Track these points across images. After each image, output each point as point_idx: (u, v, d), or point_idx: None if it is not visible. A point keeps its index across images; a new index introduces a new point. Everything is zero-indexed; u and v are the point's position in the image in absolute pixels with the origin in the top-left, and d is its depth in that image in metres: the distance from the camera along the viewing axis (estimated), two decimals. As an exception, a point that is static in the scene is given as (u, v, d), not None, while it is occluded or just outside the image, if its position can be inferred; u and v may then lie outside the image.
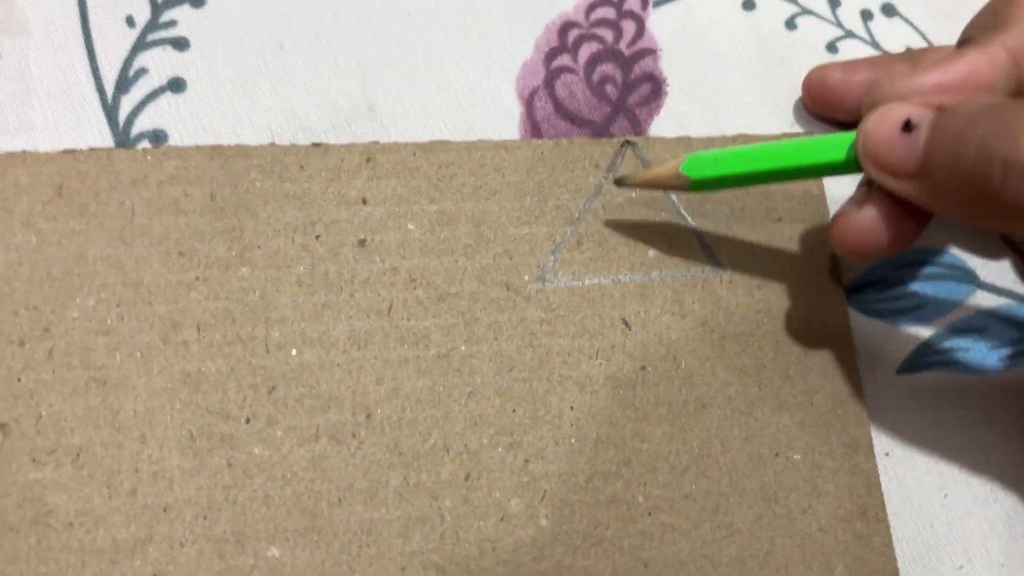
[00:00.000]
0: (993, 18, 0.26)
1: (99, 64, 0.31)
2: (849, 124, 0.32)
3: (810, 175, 0.27)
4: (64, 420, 0.26)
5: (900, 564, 0.28)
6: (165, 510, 0.26)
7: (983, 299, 0.32)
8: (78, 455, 0.26)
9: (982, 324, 0.31)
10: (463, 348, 0.28)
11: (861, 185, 0.28)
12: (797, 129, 0.33)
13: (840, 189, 0.32)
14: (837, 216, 0.26)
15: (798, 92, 0.34)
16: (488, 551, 0.27)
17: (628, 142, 0.31)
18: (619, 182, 0.29)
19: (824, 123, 0.33)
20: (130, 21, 0.32)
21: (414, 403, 0.28)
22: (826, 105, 0.32)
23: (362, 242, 0.29)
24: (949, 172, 0.22)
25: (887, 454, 0.29)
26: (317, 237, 0.29)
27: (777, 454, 0.29)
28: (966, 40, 0.27)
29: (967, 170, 0.22)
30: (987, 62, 0.25)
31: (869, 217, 0.25)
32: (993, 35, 0.25)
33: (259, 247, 0.28)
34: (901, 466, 0.29)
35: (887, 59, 0.32)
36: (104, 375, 0.27)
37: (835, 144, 0.25)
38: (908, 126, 0.23)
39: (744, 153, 0.27)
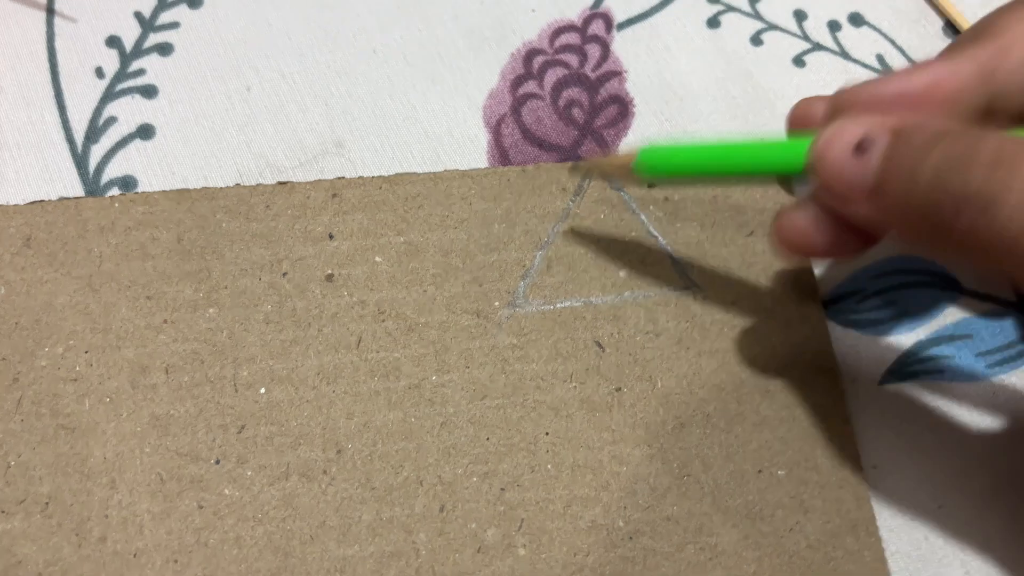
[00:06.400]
0: (973, 32, 0.25)
1: (69, 115, 0.32)
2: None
3: (766, 178, 0.25)
4: (33, 469, 0.26)
5: (895, 580, 0.27)
6: (135, 556, 0.25)
7: (967, 305, 0.31)
8: (47, 504, 0.26)
9: (966, 331, 0.31)
10: (434, 378, 0.28)
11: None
12: (767, 143, 0.33)
13: (814, 200, 0.32)
14: (780, 212, 0.25)
15: (766, 107, 0.33)
16: (465, 584, 0.26)
17: (595, 164, 0.31)
18: (573, 169, 0.29)
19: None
20: (99, 72, 0.33)
21: (385, 436, 0.27)
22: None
23: (329, 277, 0.29)
24: (900, 201, 0.21)
25: (875, 467, 0.29)
26: (284, 275, 0.29)
27: (760, 471, 0.28)
28: (942, 52, 0.26)
29: (919, 201, 0.21)
30: (951, 73, 0.24)
31: (809, 217, 0.24)
32: (967, 48, 0.24)
33: (226, 287, 0.28)
34: (890, 478, 0.29)
35: None
36: (73, 422, 0.27)
37: (792, 150, 0.24)
38: (860, 147, 0.22)
39: (699, 151, 0.25)
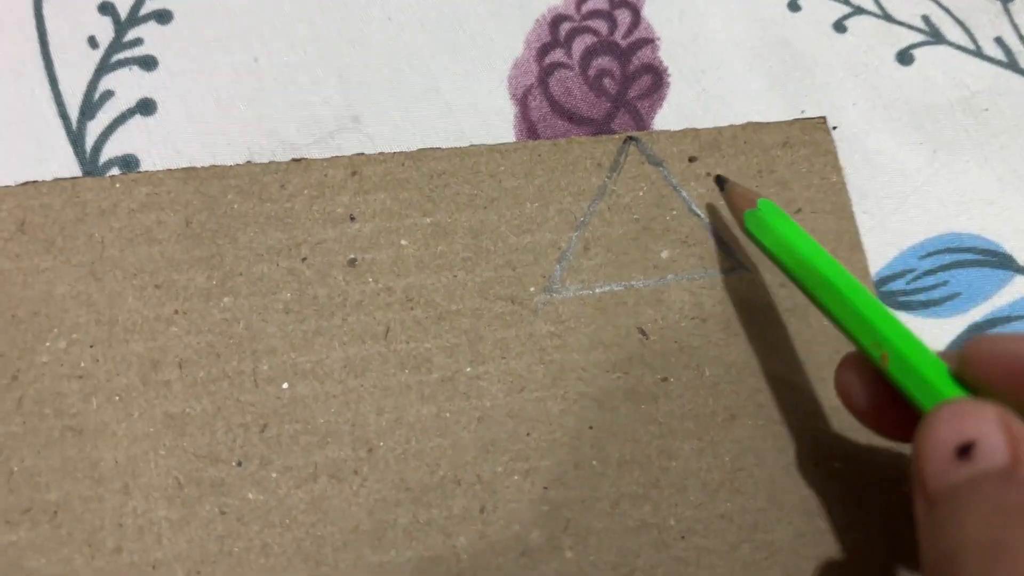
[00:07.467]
0: None
1: (62, 89, 0.29)
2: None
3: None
4: (39, 475, 0.24)
5: None
6: (154, 567, 0.23)
7: (1023, 285, 0.30)
8: (56, 513, 0.24)
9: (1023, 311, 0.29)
10: (468, 370, 0.26)
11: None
12: (809, 115, 0.31)
13: (860, 180, 0.30)
14: (844, 359, 0.24)
15: (806, 76, 0.32)
16: (510, 590, 0.24)
17: (631, 138, 0.29)
18: (719, 180, 0.28)
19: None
20: (92, 42, 0.30)
21: (419, 433, 0.25)
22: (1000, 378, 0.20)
23: (352, 262, 0.27)
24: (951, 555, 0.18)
25: (933, 456, 0.27)
26: (303, 260, 0.27)
27: (816, 464, 0.26)
28: None
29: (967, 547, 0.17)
30: None
31: (864, 393, 0.23)
32: None
33: (241, 274, 0.26)
34: (949, 468, 0.27)
35: None
36: (80, 423, 0.24)
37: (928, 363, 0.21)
38: (966, 451, 0.18)
39: (815, 255, 0.24)
